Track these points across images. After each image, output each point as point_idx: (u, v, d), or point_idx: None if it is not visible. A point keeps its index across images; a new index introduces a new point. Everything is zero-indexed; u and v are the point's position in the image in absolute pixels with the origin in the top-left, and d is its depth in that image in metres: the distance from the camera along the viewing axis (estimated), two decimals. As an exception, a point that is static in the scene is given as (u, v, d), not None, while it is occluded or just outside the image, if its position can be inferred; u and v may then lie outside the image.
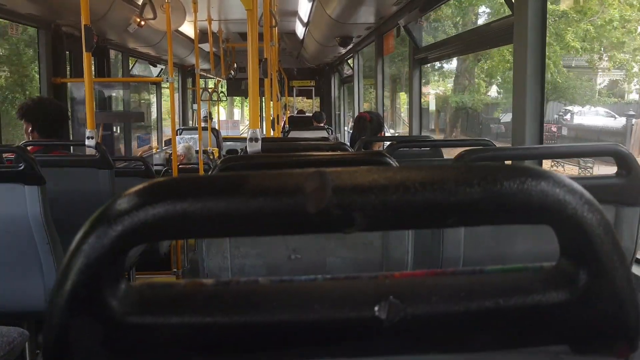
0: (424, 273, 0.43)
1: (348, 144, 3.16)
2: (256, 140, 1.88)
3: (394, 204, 0.37)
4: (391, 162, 1.28)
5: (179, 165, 4.72)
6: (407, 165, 0.40)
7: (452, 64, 13.69)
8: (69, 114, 4.28)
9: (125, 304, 0.38)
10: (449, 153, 3.05)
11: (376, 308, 0.39)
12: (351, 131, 3.61)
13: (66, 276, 0.37)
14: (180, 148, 5.57)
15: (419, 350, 0.40)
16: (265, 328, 0.39)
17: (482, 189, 0.37)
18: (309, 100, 11.34)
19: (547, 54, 2.06)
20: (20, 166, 1.81)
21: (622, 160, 1.29)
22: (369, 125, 3.14)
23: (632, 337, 0.40)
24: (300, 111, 10.43)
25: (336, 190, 0.37)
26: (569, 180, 0.39)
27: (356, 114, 6.54)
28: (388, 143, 2.18)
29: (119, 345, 0.38)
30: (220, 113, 9.68)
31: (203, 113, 6.32)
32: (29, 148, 2.31)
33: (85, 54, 2.78)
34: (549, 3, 2.08)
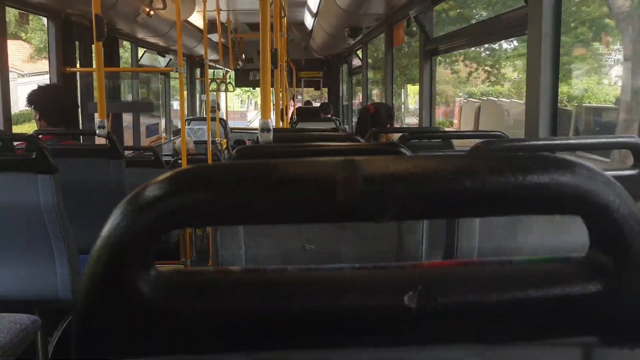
0: (452, 263, 0.43)
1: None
2: (268, 130, 1.87)
3: (425, 193, 0.37)
4: (406, 152, 1.28)
5: (188, 156, 4.73)
6: (436, 154, 0.40)
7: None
8: (79, 103, 4.29)
9: (155, 290, 0.38)
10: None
11: (405, 297, 0.38)
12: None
13: (98, 261, 0.37)
14: (178, 142, 5.56)
15: (449, 341, 0.40)
16: (294, 316, 0.39)
17: (515, 179, 0.37)
18: (316, 92, 11.32)
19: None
20: (32, 155, 1.81)
21: (639, 152, 1.28)
22: (370, 117, 3.14)
23: None
24: (308, 102, 10.41)
25: (367, 179, 0.36)
26: (601, 170, 0.39)
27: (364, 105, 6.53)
28: (399, 135, 2.17)
29: (148, 331, 0.38)
30: (230, 104, 9.68)
31: (211, 104, 6.32)
32: (39, 137, 2.32)
33: (96, 44, 2.77)
34: None
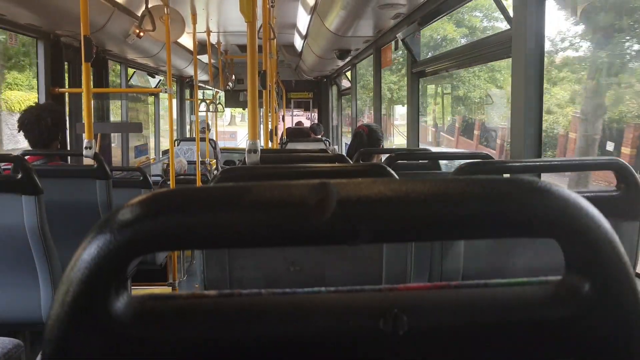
0: (428, 286, 0.42)
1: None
2: (255, 151, 1.88)
3: (399, 216, 0.37)
4: (391, 174, 1.28)
5: (177, 176, 4.71)
6: (411, 178, 0.40)
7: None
8: (67, 124, 4.27)
9: (126, 315, 0.38)
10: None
11: (381, 321, 0.38)
12: (348, 143, 3.61)
13: (67, 286, 0.37)
14: (177, 162, 5.55)
15: None
16: (269, 342, 0.38)
17: (487, 203, 0.37)
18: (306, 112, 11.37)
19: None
20: (18, 176, 1.80)
21: (622, 174, 1.29)
22: (366, 138, 3.14)
23: (638, 352, 0.40)
24: (299, 123, 10.45)
25: (341, 202, 0.36)
26: (574, 194, 0.39)
27: (353, 126, 6.56)
28: (387, 155, 2.18)
29: (120, 357, 0.38)
30: (219, 124, 9.69)
31: (201, 124, 6.32)
32: (26, 158, 2.30)
33: (84, 65, 2.78)
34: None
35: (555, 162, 1.59)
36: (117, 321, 0.37)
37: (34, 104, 2.96)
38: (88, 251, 0.37)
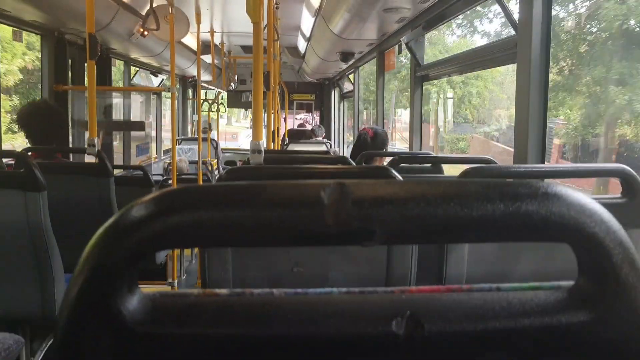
0: (440, 289, 0.42)
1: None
2: (259, 151, 1.87)
3: (414, 217, 0.37)
4: (396, 176, 1.28)
5: (178, 175, 4.71)
6: (425, 179, 0.40)
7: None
8: (69, 122, 4.27)
9: (137, 313, 0.38)
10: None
11: (393, 323, 0.38)
12: (352, 146, 3.60)
13: (78, 283, 0.37)
14: (178, 160, 5.55)
15: None
16: (279, 342, 0.38)
17: (503, 205, 0.37)
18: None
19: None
20: (21, 172, 1.80)
21: (628, 181, 1.29)
22: (370, 141, 3.13)
23: None
24: (301, 124, 10.46)
25: (356, 202, 0.36)
26: (589, 198, 0.39)
27: (356, 129, 6.56)
28: (389, 158, 2.18)
29: (130, 356, 0.38)
30: (221, 124, 9.69)
31: (203, 124, 6.32)
32: (29, 154, 2.30)
33: (89, 62, 2.78)
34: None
35: (560, 168, 1.59)
36: (129, 318, 0.37)
37: (32, 102, 2.95)
38: (99, 248, 0.37)
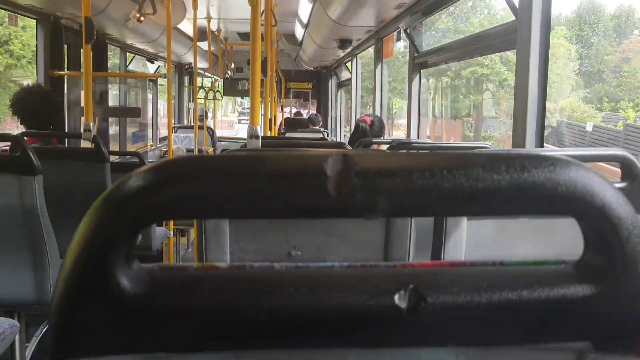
0: (444, 264, 0.42)
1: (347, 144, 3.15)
2: (256, 136, 1.86)
3: (419, 189, 0.36)
4: None
5: None
6: (431, 152, 0.39)
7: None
8: (65, 108, 4.25)
9: (136, 285, 0.37)
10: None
11: (396, 296, 0.37)
12: (349, 134, 3.59)
13: (75, 255, 0.36)
14: (175, 149, 5.53)
15: (439, 342, 0.39)
16: (281, 314, 0.37)
17: (510, 177, 0.36)
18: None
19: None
20: (16, 155, 1.79)
21: (628, 166, 1.29)
22: (369, 129, 3.12)
23: None
24: (298, 113, 10.43)
25: (360, 173, 0.35)
26: (598, 173, 0.38)
27: (354, 117, 6.54)
28: (387, 146, 2.17)
29: (129, 328, 0.37)
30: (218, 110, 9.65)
31: (199, 112, 6.30)
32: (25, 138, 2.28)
33: (84, 46, 2.75)
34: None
35: (558, 153, 1.58)
36: (127, 291, 0.36)
37: (27, 87, 2.93)
38: (97, 218, 0.36)
